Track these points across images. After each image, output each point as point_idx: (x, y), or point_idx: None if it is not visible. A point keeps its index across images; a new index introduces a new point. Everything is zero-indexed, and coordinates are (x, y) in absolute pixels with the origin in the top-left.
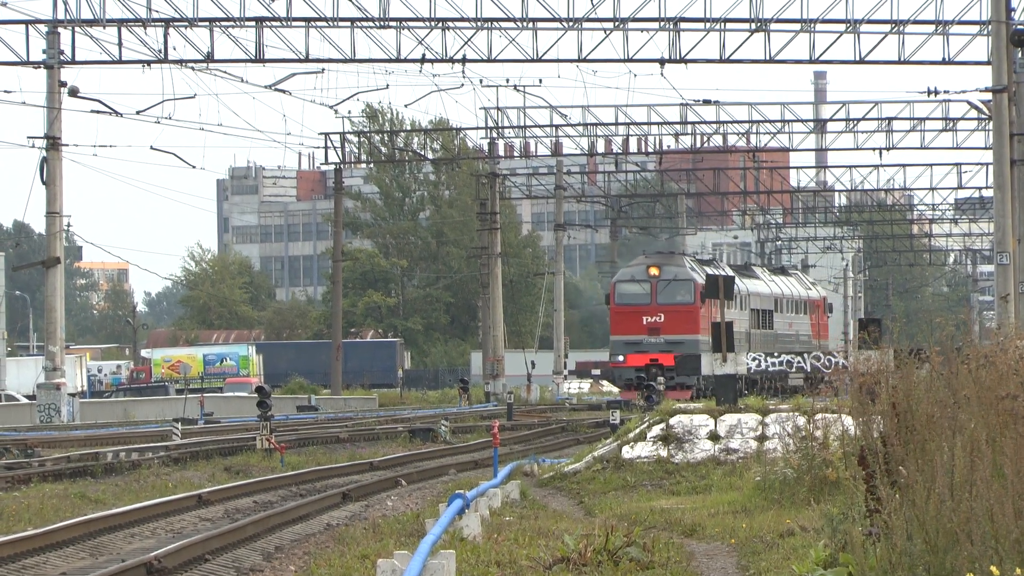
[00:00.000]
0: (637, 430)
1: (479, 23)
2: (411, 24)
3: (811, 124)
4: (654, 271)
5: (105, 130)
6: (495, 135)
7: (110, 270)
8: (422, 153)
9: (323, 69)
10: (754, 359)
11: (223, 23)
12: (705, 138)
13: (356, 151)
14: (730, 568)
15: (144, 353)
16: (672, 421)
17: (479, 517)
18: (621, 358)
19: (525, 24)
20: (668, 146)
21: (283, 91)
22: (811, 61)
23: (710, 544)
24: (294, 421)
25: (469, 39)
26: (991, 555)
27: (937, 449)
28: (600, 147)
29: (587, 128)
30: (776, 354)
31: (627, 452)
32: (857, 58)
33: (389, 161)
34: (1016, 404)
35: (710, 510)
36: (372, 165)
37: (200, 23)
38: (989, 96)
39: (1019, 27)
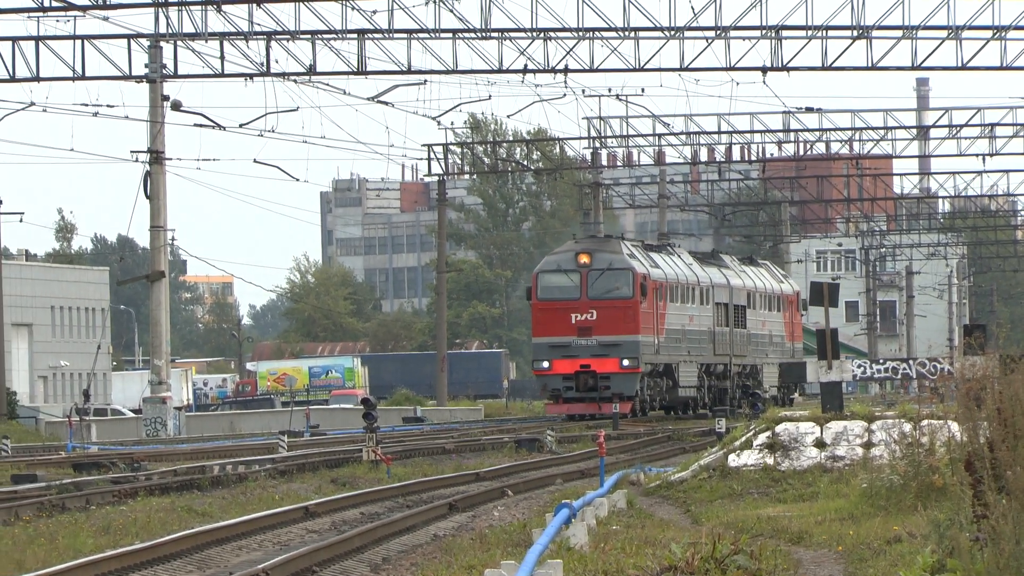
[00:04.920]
0: (743, 438)
1: (581, 33)
2: (513, 35)
3: (914, 131)
4: (584, 259)
5: (208, 143)
6: (598, 145)
7: (215, 283)
8: (524, 163)
9: (425, 81)
10: (859, 366)
11: (325, 36)
12: (808, 146)
13: (459, 162)
14: (837, 575)
15: (249, 366)
16: (778, 429)
17: (586, 526)
18: (546, 364)
19: (627, 33)
20: (771, 154)
21: (386, 103)
22: (913, 68)
23: (817, 551)
24: (400, 432)
25: (571, 49)
26: None
27: None
28: (703, 156)
29: (690, 137)
30: (881, 360)
31: (733, 460)
32: (959, 64)
33: (492, 172)
34: None
35: (817, 517)
36: (475, 176)
37: (302, 36)
38: None
39: None
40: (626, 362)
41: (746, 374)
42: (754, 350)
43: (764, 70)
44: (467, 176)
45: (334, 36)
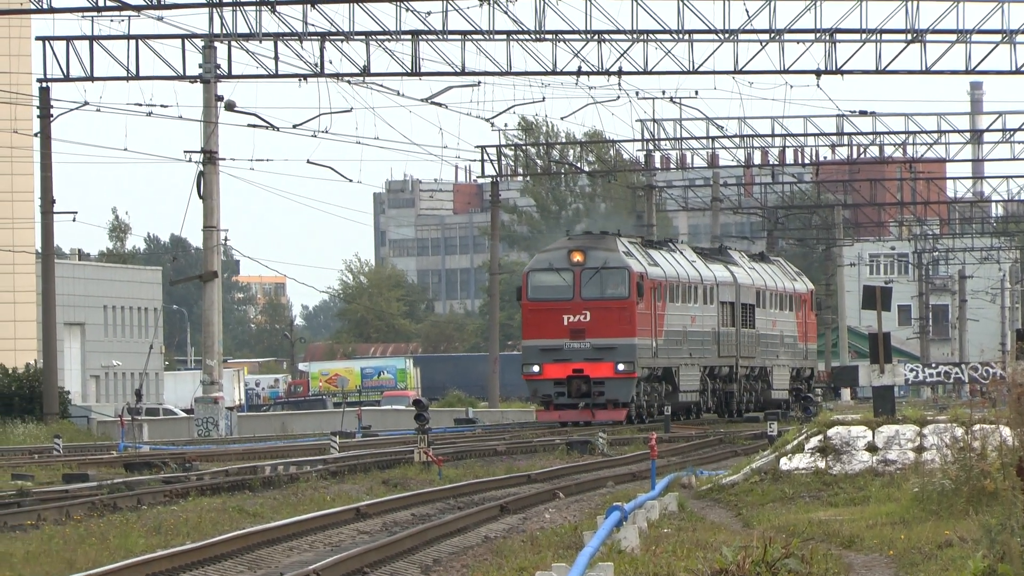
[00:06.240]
0: (795, 441)
1: (635, 35)
2: (567, 37)
3: (967, 135)
4: (578, 257)
5: (262, 144)
6: (651, 147)
7: (267, 284)
8: (578, 165)
9: (479, 82)
10: (911, 370)
11: (379, 37)
12: (861, 149)
13: (512, 164)
14: None
15: (302, 367)
16: (830, 432)
17: (637, 529)
18: (536, 369)
19: (681, 36)
20: (824, 157)
21: (439, 104)
22: (967, 72)
23: (868, 555)
24: (451, 434)
25: (625, 51)
26: None
27: None
28: (756, 158)
29: (743, 139)
30: (934, 364)
31: (784, 464)
32: (1013, 68)
33: (545, 174)
34: None
35: (868, 521)
36: (528, 178)
37: (356, 37)
38: None
39: None
40: (621, 366)
41: (754, 376)
42: (763, 351)
43: (818, 73)
44: (520, 178)
45: (388, 37)
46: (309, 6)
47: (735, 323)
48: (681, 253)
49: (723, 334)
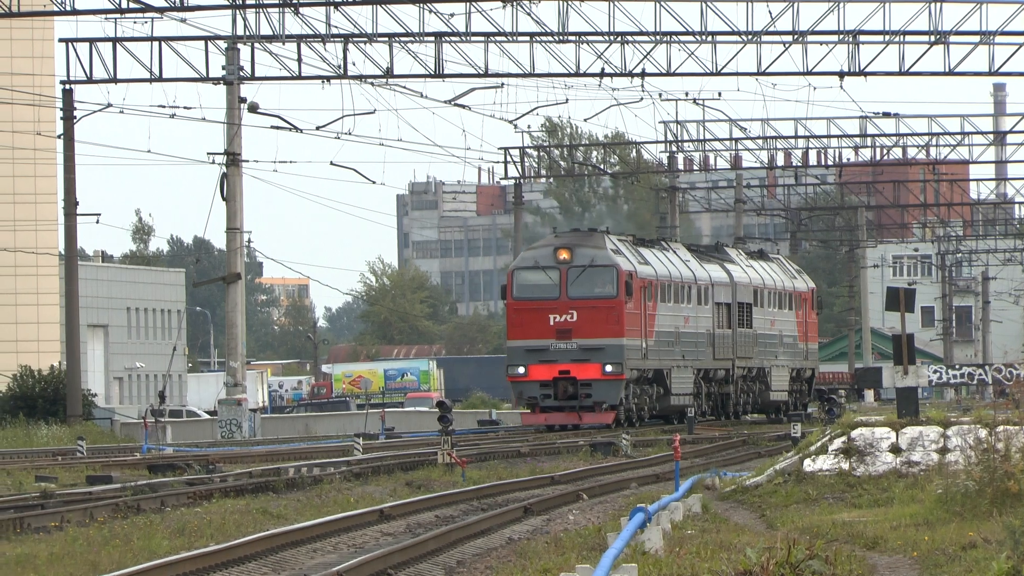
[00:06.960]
0: (818, 443)
1: (658, 37)
2: (590, 38)
3: (991, 136)
4: (564, 255)
5: (285, 146)
6: (674, 149)
7: (291, 286)
8: (601, 167)
9: (502, 84)
10: (935, 371)
11: (402, 39)
12: (885, 151)
13: (535, 166)
14: None
15: (325, 368)
16: (854, 434)
17: (661, 531)
18: (521, 370)
19: (704, 38)
20: (848, 159)
21: (463, 106)
22: (990, 73)
23: (892, 557)
24: (475, 435)
25: (648, 53)
26: None
27: None
28: (780, 160)
29: (766, 141)
30: (957, 366)
31: (808, 465)
32: None
33: (568, 175)
34: None
35: (892, 523)
36: (551, 179)
37: (379, 39)
38: None
39: None
40: (609, 368)
41: (752, 378)
42: (761, 352)
43: (841, 75)
44: (543, 179)
45: (411, 39)
46: (332, 8)
47: (731, 323)
48: (674, 252)
49: (718, 335)
